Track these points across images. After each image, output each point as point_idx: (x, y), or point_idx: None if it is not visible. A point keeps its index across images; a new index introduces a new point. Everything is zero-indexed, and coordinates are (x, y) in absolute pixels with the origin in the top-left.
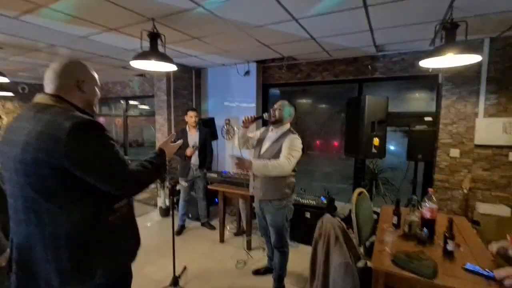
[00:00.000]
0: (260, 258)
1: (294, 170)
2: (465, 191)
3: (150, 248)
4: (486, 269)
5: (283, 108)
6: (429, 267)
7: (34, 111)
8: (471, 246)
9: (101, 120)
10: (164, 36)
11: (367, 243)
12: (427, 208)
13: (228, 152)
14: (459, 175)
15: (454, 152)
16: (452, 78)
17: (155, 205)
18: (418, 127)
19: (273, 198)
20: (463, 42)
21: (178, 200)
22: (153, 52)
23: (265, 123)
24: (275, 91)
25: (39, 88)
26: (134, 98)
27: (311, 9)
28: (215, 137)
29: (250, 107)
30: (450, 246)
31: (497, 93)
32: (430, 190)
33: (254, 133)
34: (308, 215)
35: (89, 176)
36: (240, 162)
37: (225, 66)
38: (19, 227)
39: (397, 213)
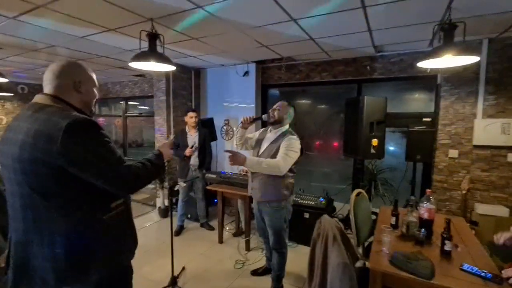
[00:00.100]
0: (258, 259)
1: (293, 172)
2: (464, 191)
3: (149, 249)
4: (484, 270)
5: (282, 109)
6: (427, 268)
7: (32, 110)
8: (469, 246)
9: (101, 120)
10: (163, 36)
11: (366, 244)
12: (425, 208)
13: None
14: (458, 175)
15: (453, 153)
16: (451, 79)
17: (154, 205)
18: (416, 128)
19: (271, 199)
20: (461, 43)
21: (177, 201)
22: (152, 53)
23: (265, 124)
24: (274, 91)
25: (39, 88)
26: (133, 98)
27: (309, 9)
28: (214, 138)
29: (249, 107)
30: (447, 247)
31: (496, 94)
32: (428, 191)
33: (253, 134)
34: (307, 215)
35: (85, 172)
36: (234, 156)
37: (224, 66)
38: (17, 224)
39: (395, 213)
